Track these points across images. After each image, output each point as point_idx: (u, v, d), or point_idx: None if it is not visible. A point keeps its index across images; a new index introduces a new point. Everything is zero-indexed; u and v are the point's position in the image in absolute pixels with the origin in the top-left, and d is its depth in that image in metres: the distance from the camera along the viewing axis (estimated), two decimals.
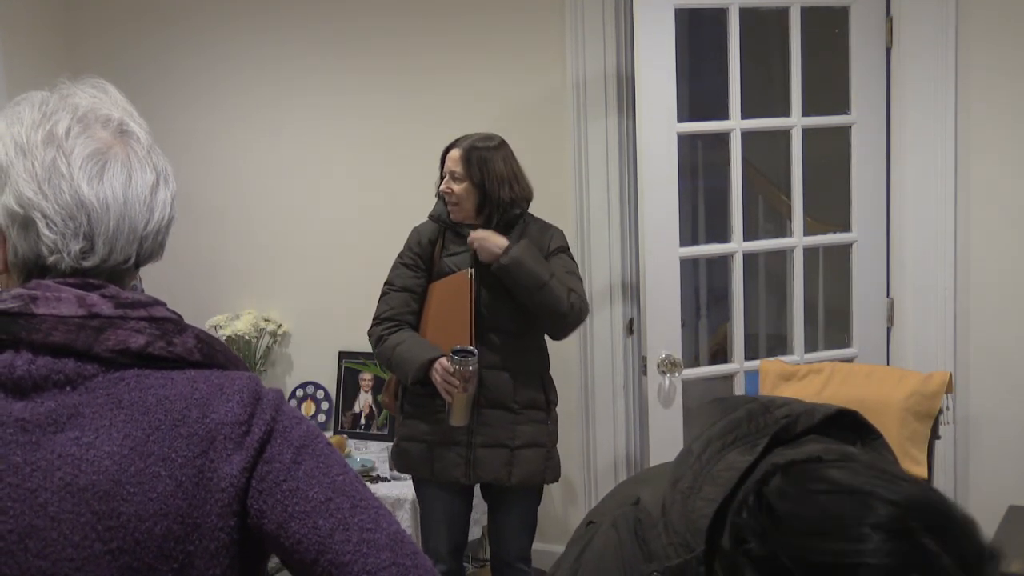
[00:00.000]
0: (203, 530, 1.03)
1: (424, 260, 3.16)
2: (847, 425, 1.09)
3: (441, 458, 3.10)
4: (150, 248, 1.14)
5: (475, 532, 3.76)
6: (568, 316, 3.08)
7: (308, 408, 4.45)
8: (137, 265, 1.14)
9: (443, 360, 2.98)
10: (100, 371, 1.06)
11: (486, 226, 3.11)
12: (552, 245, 3.17)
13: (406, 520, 3.63)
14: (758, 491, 0.99)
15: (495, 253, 3.02)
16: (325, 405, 4.43)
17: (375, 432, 4.28)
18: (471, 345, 3.01)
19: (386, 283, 3.19)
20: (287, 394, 4.50)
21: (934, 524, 0.94)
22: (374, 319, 3.16)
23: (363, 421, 4.32)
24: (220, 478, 1.04)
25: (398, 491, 3.66)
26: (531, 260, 3.02)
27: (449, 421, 3.02)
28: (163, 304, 1.12)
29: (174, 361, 1.09)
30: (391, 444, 3.31)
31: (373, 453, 4.08)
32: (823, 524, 0.94)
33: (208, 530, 1.04)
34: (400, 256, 3.20)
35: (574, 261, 3.23)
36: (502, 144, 3.12)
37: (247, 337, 4.35)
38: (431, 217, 3.19)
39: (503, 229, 3.12)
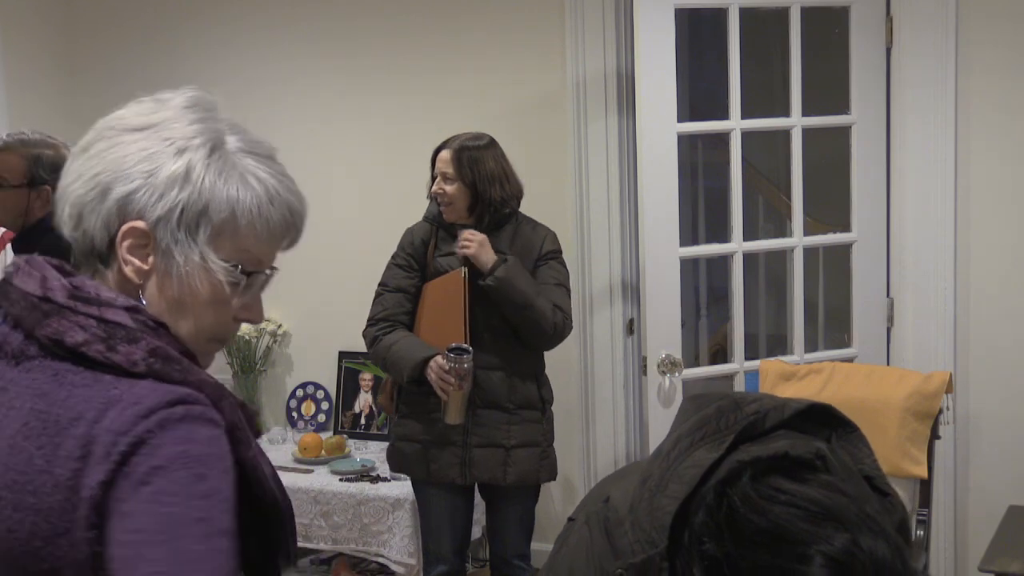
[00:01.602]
0: (71, 536, 0.99)
1: (417, 260, 3.17)
2: (820, 419, 1.09)
3: (437, 458, 3.11)
4: (70, 218, 1.11)
5: (475, 532, 3.76)
6: (551, 336, 3.11)
7: (308, 408, 4.45)
8: (86, 248, 1.11)
9: (438, 358, 2.99)
10: (40, 355, 1.06)
11: (478, 225, 3.12)
12: (544, 248, 3.17)
13: (406, 520, 3.63)
14: (720, 490, 0.99)
15: (484, 266, 3.04)
16: (325, 405, 4.43)
17: (375, 432, 4.28)
18: (465, 343, 3.02)
19: (380, 284, 3.20)
20: (287, 394, 4.50)
21: (875, 572, 0.94)
22: (369, 320, 3.18)
23: (363, 421, 4.32)
24: (84, 487, 0.99)
25: (398, 491, 3.65)
26: (519, 280, 3.03)
27: (444, 419, 3.03)
28: (134, 309, 1.07)
29: (112, 367, 1.04)
30: (389, 443, 3.31)
31: (373, 453, 4.08)
32: (772, 535, 0.94)
33: (75, 538, 0.99)
34: (393, 257, 3.21)
35: (565, 267, 3.22)
36: (492, 143, 3.13)
37: (247, 337, 4.35)
38: (425, 218, 3.20)
39: (495, 228, 3.12)
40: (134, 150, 1.08)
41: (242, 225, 1.11)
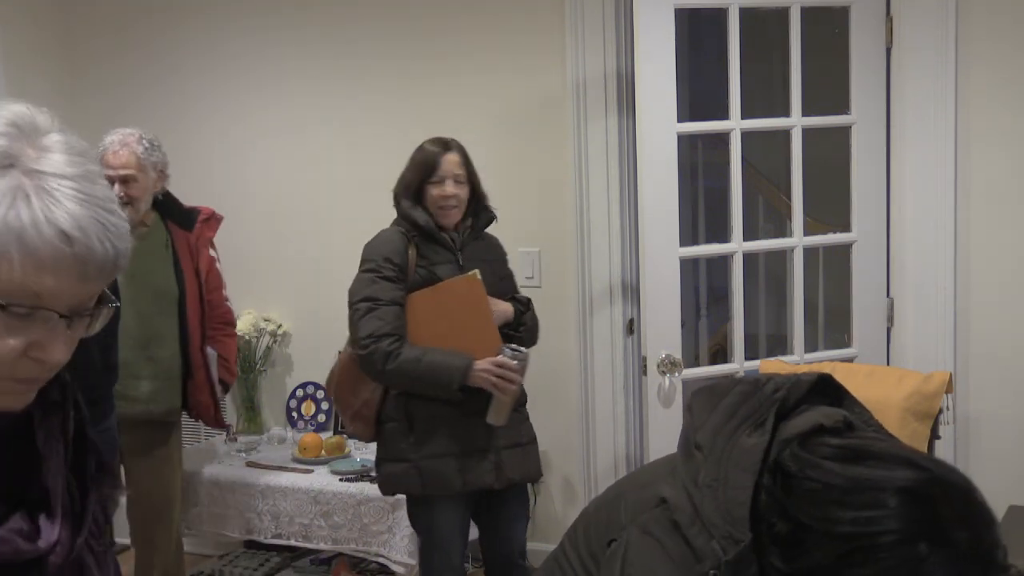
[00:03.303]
0: None
1: (403, 272, 3.03)
2: (822, 389, 1.11)
3: (472, 468, 3.03)
4: None
5: (475, 532, 3.76)
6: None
7: (308, 408, 4.45)
8: None
9: (499, 357, 2.96)
10: None
11: (475, 228, 3.12)
12: (505, 254, 3.29)
13: (406, 520, 3.61)
14: (773, 470, 1.00)
15: (509, 320, 3.13)
16: (325, 405, 4.43)
17: None
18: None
19: (366, 299, 2.99)
20: (287, 394, 4.50)
21: (956, 497, 0.94)
22: (369, 336, 2.96)
23: None
24: None
25: None
26: (533, 314, 3.23)
27: (493, 421, 2.99)
28: None
29: None
30: (396, 469, 3.08)
31: (373, 453, 4.06)
32: (840, 489, 0.95)
33: None
34: (375, 270, 3.01)
35: None
36: None
37: (247, 337, 4.34)
38: (422, 225, 3.06)
39: (482, 231, 3.18)
40: None
41: None
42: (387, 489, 3.19)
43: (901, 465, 0.96)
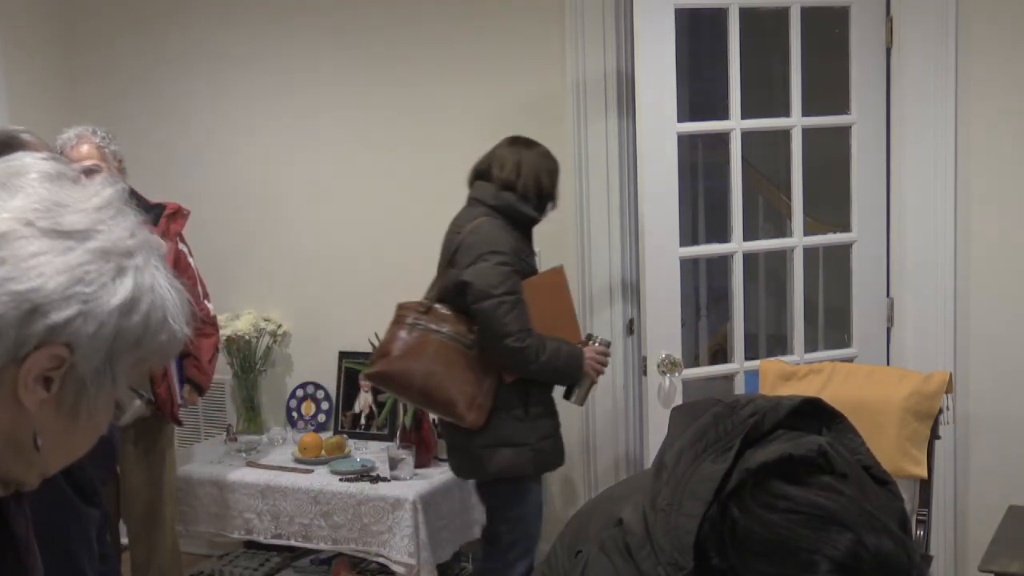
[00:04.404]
0: None
1: None
2: (810, 413, 1.09)
3: (559, 448, 3.27)
4: None
5: (476, 532, 3.76)
6: None
7: (308, 408, 4.45)
8: None
9: (596, 346, 3.23)
10: None
11: None
12: None
13: (406, 520, 3.62)
14: (723, 502, 0.98)
15: None
16: (325, 405, 4.43)
17: (375, 432, 4.27)
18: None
19: (511, 292, 3.06)
20: (287, 394, 4.50)
21: (882, 567, 0.93)
22: (523, 330, 3.05)
23: (363, 421, 4.31)
24: None
25: (398, 491, 3.65)
26: None
27: (579, 403, 3.26)
28: None
29: None
30: (510, 453, 3.17)
31: (373, 453, 4.07)
32: (774, 545, 0.94)
33: None
34: (509, 263, 3.08)
35: None
36: None
37: (247, 337, 4.34)
38: (528, 219, 3.21)
39: None
40: (67, 264, 0.89)
41: (162, 342, 0.94)
42: (484, 472, 3.21)
43: (836, 528, 0.95)
